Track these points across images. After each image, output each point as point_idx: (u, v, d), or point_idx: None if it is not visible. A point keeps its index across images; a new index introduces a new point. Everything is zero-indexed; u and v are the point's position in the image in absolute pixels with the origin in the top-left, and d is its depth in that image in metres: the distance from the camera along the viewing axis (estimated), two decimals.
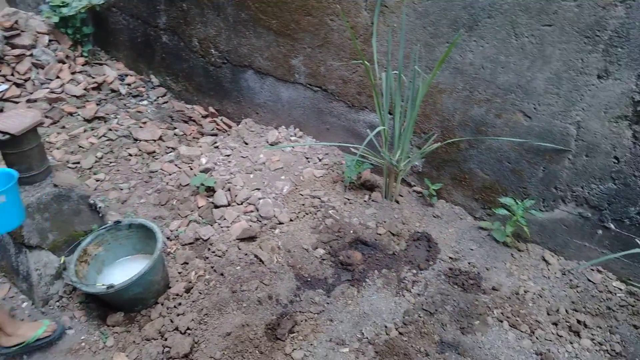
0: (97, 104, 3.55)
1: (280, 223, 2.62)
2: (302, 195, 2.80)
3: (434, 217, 2.77)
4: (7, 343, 1.88)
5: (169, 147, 3.28)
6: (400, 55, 2.41)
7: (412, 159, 2.70)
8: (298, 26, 2.89)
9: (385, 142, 2.63)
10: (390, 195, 2.82)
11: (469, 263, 2.48)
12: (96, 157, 3.05)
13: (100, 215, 2.40)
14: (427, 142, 2.70)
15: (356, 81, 2.84)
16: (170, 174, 2.99)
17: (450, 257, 2.50)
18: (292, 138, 3.27)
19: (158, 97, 3.92)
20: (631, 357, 2.02)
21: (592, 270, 2.43)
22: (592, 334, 2.12)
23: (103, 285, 1.99)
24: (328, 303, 2.22)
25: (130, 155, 3.14)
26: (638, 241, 2.21)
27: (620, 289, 2.33)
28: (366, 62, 2.44)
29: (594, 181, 2.25)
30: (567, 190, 2.35)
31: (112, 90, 3.80)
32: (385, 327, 2.11)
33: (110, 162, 3.05)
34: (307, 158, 3.11)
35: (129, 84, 3.95)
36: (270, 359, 1.95)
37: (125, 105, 3.72)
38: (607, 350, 2.06)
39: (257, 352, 1.96)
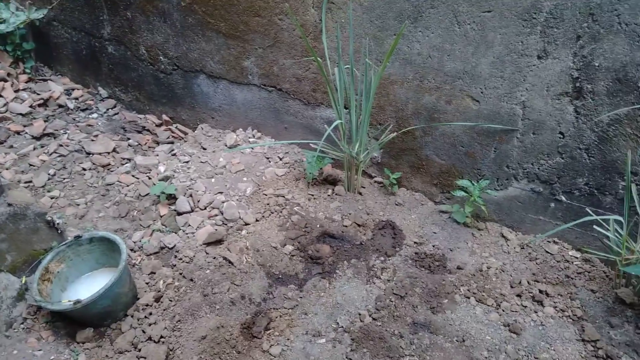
0: (45, 121, 3.42)
1: (247, 224, 2.62)
2: (266, 195, 2.81)
3: (397, 205, 2.84)
4: None
5: (124, 159, 3.20)
6: (350, 49, 2.47)
7: (371, 150, 2.77)
8: (247, 27, 2.90)
9: (344, 135, 2.68)
10: (352, 187, 2.87)
11: (433, 246, 2.56)
12: (48, 174, 2.94)
13: (60, 231, 2.32)
14: (384, 133, 2.77)
15: (310, 78, 2.87)
16: (128, 185, 2.93)
17: (415, 242, 2.57)
18: (251, 140, 3.27)
19: (108, 109, 3.82)
20: (592, 320, 2.15)
21: (549, 242, 2.56)
22: (554, 302, 2.24)
23: (69, 301, 1.93)
24: (301, 297, 2.24)
25: (84, 169, 3.05)
26: (588, 210, 2.35)
27: (577, 257, 2.47)
28: (318, 58, 2.48)
29: (542, 157, 2.38)
30: (518, 168, 2.47)
31: (60, 106, 3.67)
32: (359, 314, 2.15)
33: (64, 179, 2.95)
34: (267, 158, 3.12)
35: (76, 98, 3.82)
36: (248, 358, 1.95)
37: (74, 119, 3.60)
38: (569, 315, 2.18)
39: (234, 352, 1.96)
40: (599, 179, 2.27)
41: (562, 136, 2.27)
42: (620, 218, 2.13)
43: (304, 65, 2.85)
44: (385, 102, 2.71)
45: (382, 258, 2.47)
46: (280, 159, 3.12)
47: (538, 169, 2.41)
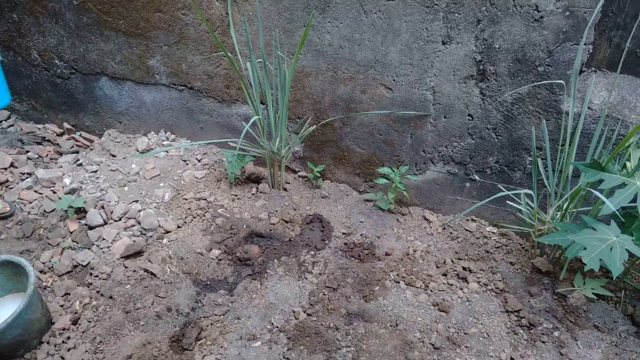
0: None
1: (168, 232, 2.49)
2: (186, 199, 2.68)
3: (322, 197, 2.83)
4: None
5: (24, 174, 2.91)
6: (261, 43, 2.40)
7: (292, 144, 2.73)
8: (149, 24, 2.73)
9: (263, 131, 2.62)
10: (277, 184, 2.82)
11: (361, 235, 2.58)
12: None
13: None
14: (303, 126, 2.75)
15: (222, 75, 2.77)
16: (30, 202, 2.67)
17: (343, 233, 2.58)
18: (165, 142, 3.11)
19: (2, 121, 3.47)
20: (513, 291, 2.26)
21: (468, 220, 2.68)
22: (478, 277, 2.34)
23: None
24: (232, 302, 2.17)
25: None
26: (500, 186, 2.47)
27: (494, 233, 2.60)
28: (228, 53, 2.39)
29: (455, 139, 2.47)
30: (434, 151, 2.55)
31: None
32: (294, 312, 2.12)
33: None
34: (184, 161, 2.98)
35: None
36: None
37: None
38: (492, 289, 2.28)
39: None
40: (507, 156, 2.39)
41: (471, 118, 2.37)
42: (530, 192, 2.26)
43: (215, 61, 2.74)
44: (302, 95, 2.69)
45: (313, 252, 2.45)
46: (199, 161, 3.00)
47: (452, 151, 2.50)
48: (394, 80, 2.42)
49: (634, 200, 1.86)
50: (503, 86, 2.22)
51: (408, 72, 2.37)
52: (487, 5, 2.07)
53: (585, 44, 2.02)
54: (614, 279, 1.78)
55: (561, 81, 2.10)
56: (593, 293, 2.17)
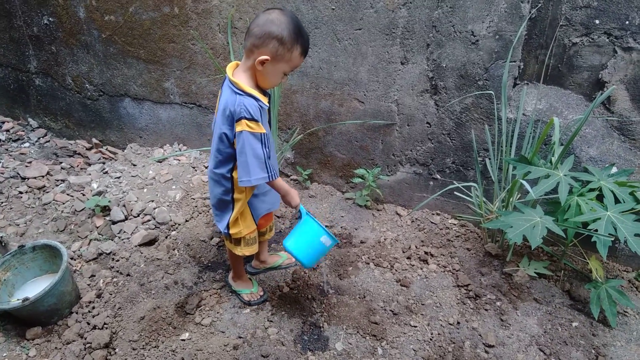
0: None
1: (177, 224, 2.96)
2: (194, 199, 3.17)
3: (310, 197, 3.28)
4: (259, 266, 2.66)
5: (58, 180, 3.45)
6: None
7: (283, 151, 3.20)
8: (164, 53, 3.28)
9: None
10: None
11: (341, 227, 3.01)
12: None
13: (3, 244, 2.56)
14: (292, 136, 3.22)
15: None
16: (63, 203, 3.18)
17: (326, 226, 3.01)
18: (178, 153, 3.62)
19: (39, 138, 4.04)
20: (467, 272, 2.65)
21: (433, 214, 3.09)
22: (437, 260, 2.74)
23: (18, 300, 2.19)
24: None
25: (20, 193, 3.27)
26: (457, 184, 2.88)
27: (455, 224, 3.01)
28: None
29: (418, 144, 2.90)
30: (401, 155, 2.99)
31: None
32: (279, 286, 2.55)
33: (2, 202, 3.16)
34: (193, 167, 3.47)
35: (7, 130, 4.01)
36: (183, 330, 2.29)
37: (7, 150, 3.79)
38: (449, 270, 2.67)
39: (170, 327, 2.29)
40: (461, 157, 2.82)
41: (429, 125, 2.81)
42: (476, 185, 2.67)
43: (219, 82, 3.25)
44: (291, 109, 3.17)
45: None
46: (206, 167, 3.49)
47: (416, 154, 2.94)
48: (364, 95, 2.89)
49: (557, 188, 2.27)
50: (452, 98, 2.66)
51: (376, 88, 2.83)
52: (434, 32, 2.53)
53: (514, 61, 2.45)
54: (532, 249, 2.17)
55: (491, 92, 2.53)
56: (535, 272, 2.55)
